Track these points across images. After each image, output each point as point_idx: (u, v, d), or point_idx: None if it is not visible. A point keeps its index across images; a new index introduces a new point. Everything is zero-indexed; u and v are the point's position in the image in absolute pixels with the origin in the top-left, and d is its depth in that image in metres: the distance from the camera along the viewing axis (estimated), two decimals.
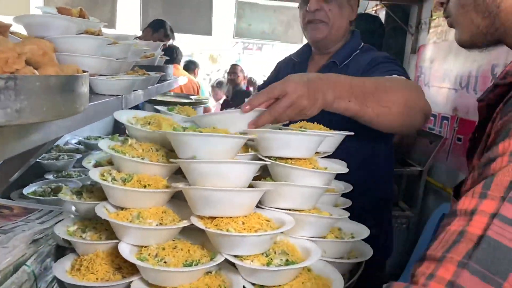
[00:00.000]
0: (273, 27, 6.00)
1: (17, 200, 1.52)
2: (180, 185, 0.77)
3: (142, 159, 0.83)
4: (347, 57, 1.45)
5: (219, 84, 6.23)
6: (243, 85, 5.41)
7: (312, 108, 0.92)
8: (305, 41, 1.60)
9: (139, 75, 1.48)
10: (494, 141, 0.54)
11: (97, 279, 0.75)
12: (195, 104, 3.32)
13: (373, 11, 3.56)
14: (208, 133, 0.77)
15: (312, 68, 1.54)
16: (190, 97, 3.61)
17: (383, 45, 2.93)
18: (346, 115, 1.01)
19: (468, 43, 0.75)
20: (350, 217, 1.03)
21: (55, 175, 1.76)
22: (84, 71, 0.91)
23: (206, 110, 4.05)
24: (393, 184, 1.58)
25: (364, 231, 0.95)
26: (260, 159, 0.88)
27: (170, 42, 3.58)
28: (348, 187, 1.07)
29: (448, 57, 2.74)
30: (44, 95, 0.63)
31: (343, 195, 1.08)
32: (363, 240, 0.95)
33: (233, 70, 5.38)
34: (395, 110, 1.02)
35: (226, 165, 0.76)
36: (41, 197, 1.50)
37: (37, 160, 1.86)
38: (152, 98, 2.92)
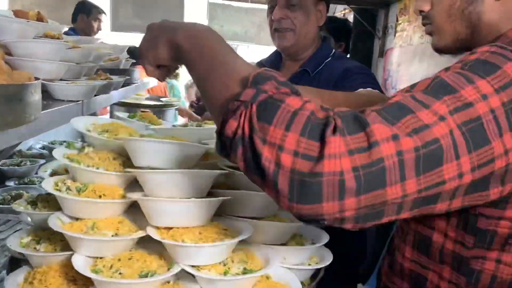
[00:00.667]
0: (246, 29, 6.00)
1: None
2: (134, 196, 0.77)
3: (97, 168, 0.81)
4: (319, 65, 1.45)
5: (193, 84, 6.18)
6: None
7: (154, 52, 0.79)
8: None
9: (101, 79, 1.45)
10: None
11: None
12: (165, 106, 3.28)
13: (342, 15, 3.61)
14: (164, 140, 0.77)
15: (284, 75, 1.52)
16: (161, 99, 3.57)
17: (352, 49, 2.99)
18: None
19: (445, 49, 0.80)
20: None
21: (16, 182, 1.71)
22: (36, 78, 0.89)
23: (181, 111, 4.03)
24: None
25: (324, 237, 0.96)
26: (221, 168, 0.88)
27: (103, 16, 3.68)
28: None
29: (413, 61, 2.81)
30: None
31: None
32: (327, 246, 0.96)
33: None
34: None
35: (184, 175, 0.75)
36: (0, 205, 1.45)
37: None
38: (121, 101, 2.89)
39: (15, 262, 0.87)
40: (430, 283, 0.73)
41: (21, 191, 1.55)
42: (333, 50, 1.51)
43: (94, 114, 1.97)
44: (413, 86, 0.59)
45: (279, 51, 1.56)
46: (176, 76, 4.68)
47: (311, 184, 0.50)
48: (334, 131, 0.50)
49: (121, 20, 5.37)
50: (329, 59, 1.44)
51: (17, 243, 0.82)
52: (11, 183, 1.67)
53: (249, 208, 0.87)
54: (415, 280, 0.76)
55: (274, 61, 1.58)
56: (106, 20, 5.77)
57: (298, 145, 0.50)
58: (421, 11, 0.82)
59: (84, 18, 3.54)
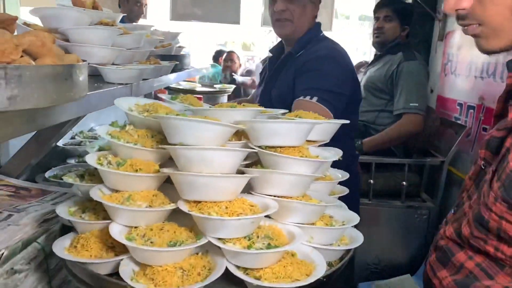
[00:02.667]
0: None
1: (41, 183, 1.62)
2: (166, 170, 0.81)
3: (135, 144, 0.87)
4: (302, 47, 1.66)
5: (248, 73, 6.25)
6: (239, 72, 5.34)
7: None
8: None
9: (150, 64, 1.53)
10: None
11: (90, 256, 0.81)
12: (218, 92, 3.36)
13: None
14: (194, 119, 0.80)
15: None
16: (215, 86, 3.65)
17: (410, 32, 2.87)
18: None
19: (503, 49, 0.72)
20: None
21: (76, 160, 1.85)
22: (83, 61, 0.97)
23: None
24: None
25: (354, 219, 0.96)
26: (251, 148, 0.91)
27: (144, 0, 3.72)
28: (345, 175, 1.08)
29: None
30: (34, 83, 0.68)
31: (341, 183, 1.10)
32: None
33: (230, 57, 5.22)
34: None
35: (210, 152, 0.79)
36: (60, 180, 1.58)
37: (62, 145, 1.97)
38: (174, 86, 3.00)
39: (66, 229, 0.96)
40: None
41: (80, 168, 1.68)
42: (321, 33, 1.71)
43: (149, 96, 2.10)
44: None
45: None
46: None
47: None
48: None
49: (179, 9, 5.52)
50: (314, 41, 1.65)
51: (65, 211, 0.90)
52: (71, 161, 1.81)
53: (278, 187, 0.89)
54: None
55: (279, 47, 1.86)
56: (166, 9, 5.95)
57: None
58: (458, 9, 0.71)
59: (125, 4, 3.62)
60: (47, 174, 1.64)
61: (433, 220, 2.53)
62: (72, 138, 2.08)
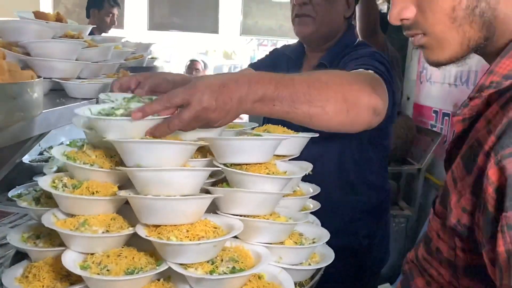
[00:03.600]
0: (280, 24, 5.96)
1: (4, 202, 1.55)
2: (123, 193, 0.77)
3: (92, 165, 0.83)
4: (337, 57, 1.34)
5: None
6: None
7: (222, 120, 0.79)
8: None
9: (118, 77, 1.48)
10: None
11: (42, 286, 0.76)
12: None
13: None
14: (151, 140, 0.76)
15: (306, 67, 1.47)
16: None
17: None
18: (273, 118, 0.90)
19: (449, 61, 0.68)
20: (338, 225, 1.01)
21: None
22: (39, 77, 0.92)
23: None
24: (387, 190, 1.50)
25: (325, 236, 0.93)
26: (216, 165, 0.87)
27: (117, 9, 3.58)
28: (316, 190, 1.05)
29: None
30: None
31: (324, 201, 1.06)
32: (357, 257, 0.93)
33: (193, 66, 4.95)
34: (330, 108, 0.88)
35: (168, 173, 0.75)
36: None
37: (29, 162, 1.89)
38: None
39: (21, 256, 0.91)
40: None
41: (39, 190, 1.61)
42: (357, 40, 1.42)
43: None
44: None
45: (301, 43, 1.48)
46: None
47: None
48: None
49: (157, 18, 5.47)
50: (347, 49, 1.34)
51: (18, 238, 0.85)
52: (38, 179, 1.74)
53: (244, 206, 0.86)
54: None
55: (298, 52, 1.50)
56: (143, 19, 5.88)
57: None
58: (402, 19, 0.66)
59: (96, 13, 3.45)
60: (11, 193, 1.56)
61: (411, 227, 2.53)
62: (40, 154, 2.01)
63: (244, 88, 0.79)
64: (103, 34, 3.25)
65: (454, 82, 2.60)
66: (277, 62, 1.54)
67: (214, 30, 5.93)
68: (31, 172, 1.83)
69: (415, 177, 2.51)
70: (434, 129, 2.73)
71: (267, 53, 1.66)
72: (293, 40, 1.58)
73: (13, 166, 1.47)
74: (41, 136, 1.42)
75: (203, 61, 5.50)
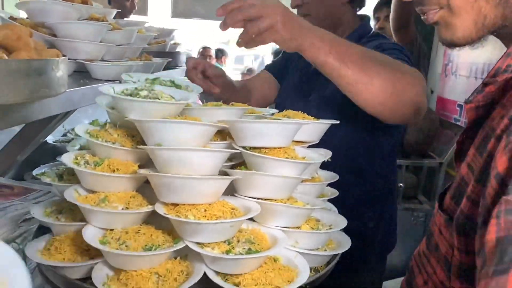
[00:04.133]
0: None
1: (29, 180, 1.59)
2: (143, 171, 0.78)
3: (113, 144, 0.84)
4: None
5: (249, 71, 6.21)
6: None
7: (288, 42, 0.89)
8: None
9: (140, 60, 1.50)
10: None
11: (63, 259, 0.78)
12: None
13: None
14: (171, 120, 0.77)
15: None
16: None
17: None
18: (321, 71, 0.94)
19: (462, 40, 0.64)
20: (345, 209, 1.01)
21: None
22: (64, 55, 0.93)
23: None
24: (394, 179, 1.51)
25: (342, 222, 0.92)
26: (235, 148, 0.87)
27: None
28: (334, 177, 1.05)
29: None
30: (4, 78, 0.65)
31: (332, 185, 1.06)
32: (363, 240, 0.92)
33: (205, 52, 4.90)
34: (377, 83, 0.90)
35: (188, 153, 0.76)
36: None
37: (53, 142, 1.94)
38: None
39: (44, 230, 0.93)
40: None
41: (62, 167, 1.65)
42: (372, 30, 1.41)
43: None
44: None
45: None
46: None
47: None
48: None
49: (180, 6, 5.49)
50: (364, 39, 1.34)
51: (41, 212, 0.87)
52: (61, 159, 1.78)
53: (262, 189, 0.86)
54: None
55: None
56: (167, 5, 5.88)
57: None
58: None
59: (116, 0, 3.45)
60: (35, 171, 1.60)
61: (430, 222, 2.50)
62: (64, 135, 2.05)
63: (307, 25, 0.91)
64: (125, 19, 3.26)
65: (481, 76, 2.53)
66: (290, 58, 1.57)
67: None
68: (54, 152, 1.87)
69: (436, 171, 2.47)
70: (458, 123, 2.67)
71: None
72: None
73: (38, 145, 1.51)
74: (65, 116, 1.45)
75: (223, 50, 5.46)
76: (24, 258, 1.01)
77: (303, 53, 0.93)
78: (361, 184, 1.37)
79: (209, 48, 5.09)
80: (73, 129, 2.10)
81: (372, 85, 0.91)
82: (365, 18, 1.45)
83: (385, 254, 1.52)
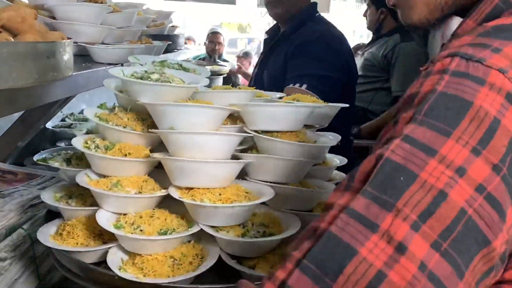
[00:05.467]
0: None
1: (29, 166, 1.57)
2: (157, 155, 0.77)
3: (124, 127, 0.83)
4: (296, 28, 1.60)
5: (245, 54, 6.14)
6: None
7: None
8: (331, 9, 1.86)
9: (141, 43, 1.47)
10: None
11: (76, 243, 0.77)
12: (213, 75, 3.30)
13: None
14: (185, 104, 0.76)
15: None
16: (206, 67, 3.58)
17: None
18: None
19: (421, 22, 0.62)
20: None
21: (66, 143, 1.79)
22: (69, 38, 0.91)
23: None
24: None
25: None
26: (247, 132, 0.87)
27: None
28: (343, 161, 1.05)
29: None
30: (12, 61, 0.63)
31: (340, 169, 1.06)
32: None
33: (216, 38, 4.53)
34: None
35: (202, 137, 0.75)
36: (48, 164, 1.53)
37: (52, 128, 1.91)
38: None
39: (52, 215, 0.92)
40: None
41: (69, 151, 1.63)
42: (317, 13, 1.65)
43: None
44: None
45: None
46: None
47: None
48: None
49: None
50: (309, 22, 1.58)
51: (51, 197, 0.86)
52: (61, 144, 1.76)
53: (274, 173, 0.85)
54: None
55: (275, 29, 1.79)
56: None
57: None
58: None
59: None
60: (36, 157, 1.58)
61: None
62: (62, 120, 2.02)
63: None
64: (115, 1, 3.17)
65: None
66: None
67: (231, 1, 5.82)
68: (54, 138, 1.85)
69: None
70: None
71: None
72: (326, 15, 1.83)
73: (39, 130, 1.49)
74: (66, 101, 1.43)
75: (248, 53, 5.31)
76: (32, 244, 1.01)
77: None
78: None
79: (219, 33, 4.65)
80: (71, 114, 2.07)
81: None
82: (312, 3, 1.69)
83: None
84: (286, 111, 0.85)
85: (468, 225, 0.38)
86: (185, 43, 5.14)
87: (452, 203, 0.38)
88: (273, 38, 1.75)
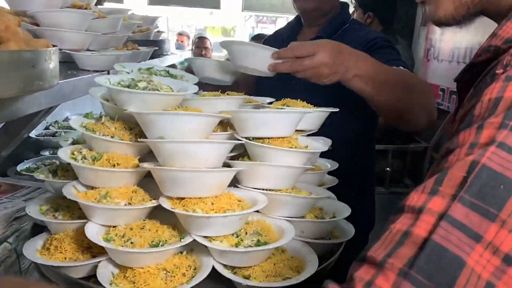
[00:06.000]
0: (283, 0, 5.86)
1: (13, 176, 1.53)
2: (146, 165, 0.75)
3: (112, 137, 0.81)
4: (334, 32, 1.40)
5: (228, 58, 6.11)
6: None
7: (330, 77, 0.96)
8: None
9: (127, 50, 1.45)
10: (457, 130, 0.48)
11: (65, 258, 0.75)
12: None
13: None
14: (174, 112, 0.74)
15: (301, 40, 1.48)
16: None
17: (390, 17, 2.82)
18: (359, 94, 1.03)
19: (447, 19, 0.63)
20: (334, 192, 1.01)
21: (51, 152, 1.76)
22: (54, 46, 0.89)
23: None
24: (375, 157, 1.61)
25: (345, 211, 0.92)
26: (238, 139, 0.85)
27: None
28: (334, 165, 1.04)
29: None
30: None
31: (330, 174, 1.06)
32: (346, 218, 0.92)
33: (203, 44, 4.50)
34: (403, 107, 1.04)
35: (193, 145, 0.73)
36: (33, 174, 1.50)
37: (36, 137, 1.87)
38: None
39: (38, 228, 0.90)
40: None
41: (54, 161, 1.59)
42: (351, 17, 1.48)
43: None
44: (438, 182, 0.43)
45: (297, 18, 1.52)
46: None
47: None
48: None
49: None
50: (346, 25, 1.41)
51: (36, 210, 0.84)
52: (46, 153, 1.72)
53: (266, 180, 0.84)
54: None
55: (293, 28, 1.53)
56: None
57: None
58: None
59: None
60: (19, 167, 1.55)
61: None
62: (46, 128, 1.98)
63: (354, 60, 0.97)
64: (99, 7, 3.10)
65: (463, 60, 2.57)
66: (277, 40, 1.55)
67: (216, 5, 5.80)
68: (37, 147, 1.81)
69: (421, 155, 2.50)
70: (441, 107, 2.71)
71: (269, 32, 1.70)
72: (293, 17, 1.61)
73: (22, 139, 1.45)
74: (51, 109, 1.40)
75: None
76: (18, 257, 0.98)
77: (344, 83, 1.00)
78: (343, 168, 1.38)
79: (206, 38, 4.62)
80: (56, 122, 2.03)
81: (399, 110, 1.05)
82: (344, 5, 1.51)
83: (367, 233, 1.55)
84: (277, 117, 0.84)
85: None
86: (178, 40, 5.00)
87: None
88: (294, 34, 1.52)
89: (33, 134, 1.85)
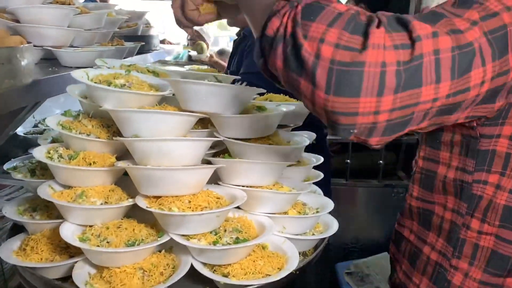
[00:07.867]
0: None
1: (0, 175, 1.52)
2: (121, 164, 0.74)
3: (88, 135, 0.79)
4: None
5: (220, 52, 6.04)
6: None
7: None
8: None
9: (112, 46, 1.43)
10: None
11: (41, 259, 0.74)
12: None
13: None
14: (149, 110, 0.73)
15: None
16: (185, 66, 3.52)
17: (382, 8, 2.80)
18: None
19: None
20: None
21: None
22: (29, 43, 0.87)
23: None
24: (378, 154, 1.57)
25: (329, 205, 0.91)
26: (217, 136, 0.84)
27: None
28: (319, 160, 1.03)
29: None
30: None
31: (316, 168, 1.04)
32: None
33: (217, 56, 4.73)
34: None
35: (168, 143, 0.72)
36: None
37: (23, 134, 1.86)
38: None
39: (18, 228, 0.88)
40: (436, 216, 0.72)
41: (34, 161, 1.57)
42: None
43: None
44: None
45: None
46: (202, 50, 4.36)
47: (351, 74, 0.47)
48: (378, 26, 0.49)
49: None
50: None
51: (14, 211, 0.83)
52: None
53: (247, 177, 0.83)
54: (423, 216, 0.75)
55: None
56: None
57: (340, 38, 0.48)
58: None
59: None
60: (6, 166, 1.53)
61: None
62: (35, 126, 1.97)
63: None
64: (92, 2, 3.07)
65: None
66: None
67: None
68: (26, 145, 1.80)
69: (414, 148, 2.49)
70: None
71: None
72: None
73: (7, 138, 1.43)
74: (35, 107, 1.38)
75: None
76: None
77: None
78: None
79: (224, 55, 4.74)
80: (44, 120, 2.01)
81: None
82: None
83: None
84: (256, 119, 0.82)
85: None
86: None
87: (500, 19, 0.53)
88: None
89: (20, 132, 1.83)
